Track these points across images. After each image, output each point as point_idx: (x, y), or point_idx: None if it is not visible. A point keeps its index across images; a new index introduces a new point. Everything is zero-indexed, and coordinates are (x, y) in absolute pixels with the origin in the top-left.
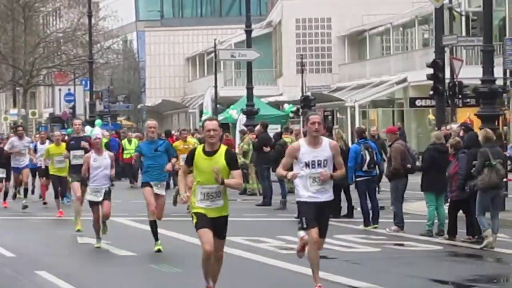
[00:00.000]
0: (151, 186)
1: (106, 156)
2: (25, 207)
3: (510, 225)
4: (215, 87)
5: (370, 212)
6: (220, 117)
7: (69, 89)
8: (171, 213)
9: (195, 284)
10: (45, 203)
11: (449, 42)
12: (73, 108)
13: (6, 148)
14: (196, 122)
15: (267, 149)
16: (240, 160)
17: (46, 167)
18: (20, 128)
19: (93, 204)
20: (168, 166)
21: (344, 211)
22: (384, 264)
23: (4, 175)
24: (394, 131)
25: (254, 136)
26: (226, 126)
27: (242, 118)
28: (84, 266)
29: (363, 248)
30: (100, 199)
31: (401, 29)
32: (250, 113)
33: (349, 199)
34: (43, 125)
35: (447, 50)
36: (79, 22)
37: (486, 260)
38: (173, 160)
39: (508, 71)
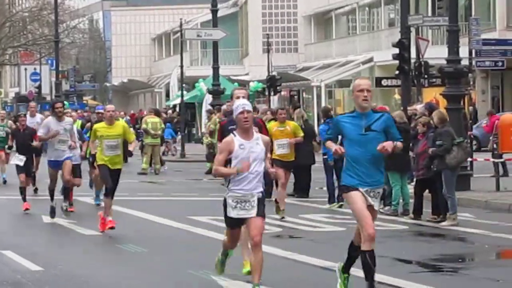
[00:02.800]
0: None
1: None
2: (65, 211)
3: (475, 205)
4: (181, 66)
5: (336, 190)
6: (187, 96)
7: (35, 69)
8: (137, 192)
9: (160, 263)
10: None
11: (415, 22)
12: (39, 87)
13: (40, 133)
14: (162, 101)
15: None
16: (207, 139)
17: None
18: (59, 105)
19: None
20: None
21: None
22: (349, 243)
23: (21, 163)
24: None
25: (222, 115)
26: (192, 106)
27: (208, 98)
28: (50, 245)
29: (328, 228)
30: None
31: (367, 9)
32: (216, 92)
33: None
34: (9, 104)
35: (413, 30)
36: (45, 1)
37: (451, 239)
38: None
39: (473, 51)
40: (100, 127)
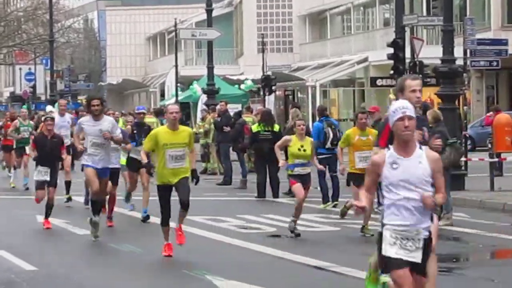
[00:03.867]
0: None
1: None
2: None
3: (469, 205)
4: (176, 66)
5: (330, 190)
6: (182, 96)
7: (29, 68)
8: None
9: (154, 263)
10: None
11: (410, 21)
12: (34, 87)
13: (75, 133)
14: (157, 101)
15: (227, 128)
16: (203, 140)
17: None
18: (96, 102)
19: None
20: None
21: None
22: (344, 243)
23: (47, 177)
24: (378, 109)
25: (216, 115)
26: (187, 106)
27: (203, 98)
28: (44, 245)
29: (323, 227)
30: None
31: (362, 8)
32: (211, 92)
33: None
34: (4, 104)
35: (407, 29)
36: (40, 0)
37: (446, 239)
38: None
39: (468, 50)
40: (163, 132)
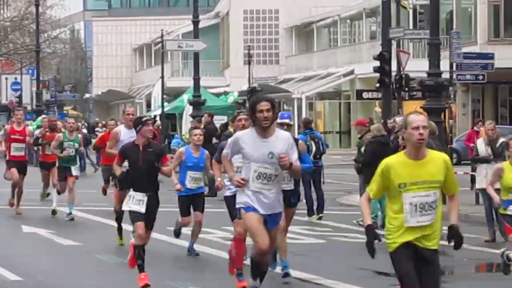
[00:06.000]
0: None
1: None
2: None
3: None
4: (162, 77)
5: (315, 202)
6: (168, 107)
7: (15, 78)
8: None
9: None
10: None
11: (396, 34)
12: (20, 97)
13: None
14: (143, 112)
15: (215, 141)
16: None
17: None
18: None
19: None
20: None
21: None
22: (328, 255)
23: (143, 208)
24: (363, 124)
25: (201, 127)
26: (173, 117)
27: (189, 109)
28: (29, 255)
29: (308, 240)
30: None
31: (348, 21)
32: (197, 103)
33: None
34: None
35: (394, 42)
36: (27, 10)
37: None
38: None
39: (454, 64)
40: None
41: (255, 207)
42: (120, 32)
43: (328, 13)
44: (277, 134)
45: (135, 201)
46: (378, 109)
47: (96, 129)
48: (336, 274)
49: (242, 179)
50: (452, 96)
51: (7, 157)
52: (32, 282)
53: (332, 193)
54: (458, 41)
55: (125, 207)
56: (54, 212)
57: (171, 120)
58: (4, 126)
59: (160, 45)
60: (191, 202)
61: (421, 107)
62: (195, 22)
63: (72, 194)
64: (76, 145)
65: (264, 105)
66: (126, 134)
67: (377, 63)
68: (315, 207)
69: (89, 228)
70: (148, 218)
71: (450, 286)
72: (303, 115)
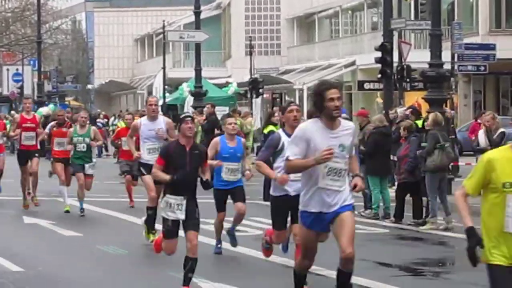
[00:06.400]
0: None
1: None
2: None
3: (456, 209)
4: (164, 68)
5: None
6: (169, 98)
7: (17, 69)
8: (118, 194)
9: (140, 265)
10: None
11: (398, 25)
12: (21, 88)
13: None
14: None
15: (218, 131)
16: None
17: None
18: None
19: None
20: None
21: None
22: (330, 246)
23: (182, 215)
24: (365, 114)
25: (203, 118)
26: (174, 107)
27: (190, 100)
28: (30, 246)
29: None
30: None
31: (350, 12)
32: (198, 94)
33: None
34: None
35: (395, 33)
36: (28, 1)
37: (432, 243)
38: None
39: (456, 55)
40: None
41: (315, 216)
42: (122, 23)
43: (330, 4)
44: (343, 124)
45: (173, 207)
46: (379, 100)
47: (98, 120)
48: (336, 264)
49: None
50: (453, 87)
51: (18, 146)
52: (33, 273)
53: None
54: (460, 31)
55: (162, 213)
56: (67, 211)
57: (172, 111)
58: (14, 115)
59: (161, 35)
60: (228, 196)
61: (422, 98)
62: (197, 13)
63: (83, 190)
64: (87, 140)
65: (335, 93)
66: (147, 126)
67: (378, 54)
68: None
69: (91, 219)
70: (188, 220)
71: (451, 277)
72: (305, 106)
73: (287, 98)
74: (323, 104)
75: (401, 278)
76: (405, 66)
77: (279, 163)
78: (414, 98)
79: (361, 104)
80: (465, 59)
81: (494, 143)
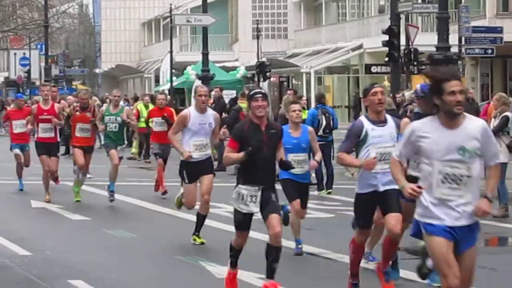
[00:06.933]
0: None
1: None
2: None
3: None
4: (171, 52)
5: (324, 177)
6: (176, 82)
7: (24, 53)
8: (125, 178)
9: (149, 249)
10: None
11: (405, 8)
12: (28, 72)
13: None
14: (152, 87)
15: (225, 115)
16: None
17: None
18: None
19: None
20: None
21: None
22: (337, 229)
23: (255, 208)
24: None
25: (211, 102)
26: (181, 91)
27: (197, 83)
28: (38, 230)
29: (317, 214)
30: None
31: None
32: (206, 78)
33: None
34: None
35: (402, 17)
36: None
37: None
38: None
39: (463, 38)
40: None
41: (439, 221)
42: (129, 7)
43: None
44: (468, 122)
45: (246, 199)
46: (386, 83)
47: (105, 104)
48: (345, 248)
49: (419, 187)
50: (461, 70)
51: (35, 138)
52: (41, 257)
53: (342, 168)
54: (467, 15)
55: (235, 204)
56: (78, 200)
57: (179, 94)
58: (33, 104)
59: (168, 19)
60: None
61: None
62: None
63: (116, 171)
64: (119, 119)
65: (456, 85)
66: (196, 119)
67: (385, 37)
68: (324, 182)
69: (98, 203)
70: (265, 206)
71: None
72: (312, 90)
73: (294, 81)
74: (441, 97)
75: (409, 261)
76: (412, 49)
77: (364, 154)
78: (421, 81)
79: None
80: (472, 42)
81: (495, 129)
